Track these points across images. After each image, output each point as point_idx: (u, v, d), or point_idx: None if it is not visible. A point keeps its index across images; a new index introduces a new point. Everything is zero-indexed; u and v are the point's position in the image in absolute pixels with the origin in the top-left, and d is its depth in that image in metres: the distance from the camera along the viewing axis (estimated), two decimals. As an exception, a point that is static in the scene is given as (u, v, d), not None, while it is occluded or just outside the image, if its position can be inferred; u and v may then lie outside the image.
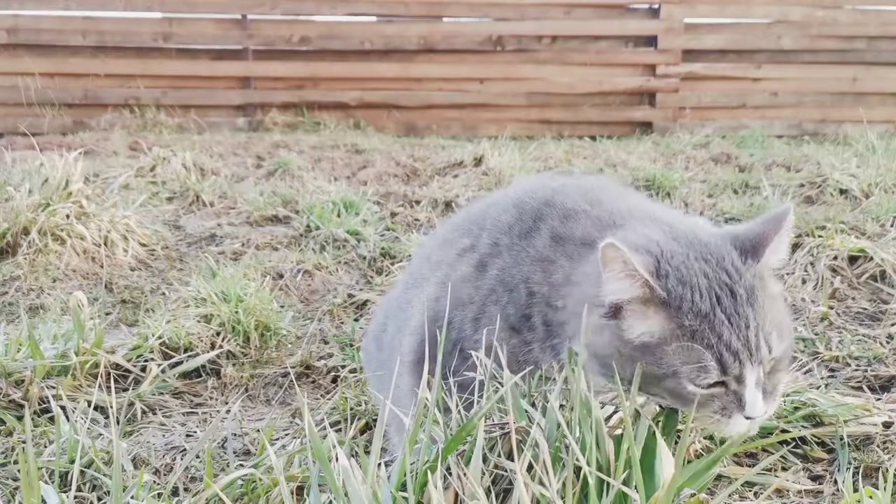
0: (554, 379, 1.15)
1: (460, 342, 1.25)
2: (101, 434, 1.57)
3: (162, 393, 1.88)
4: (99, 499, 1.35)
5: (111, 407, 1.31)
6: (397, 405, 1.25)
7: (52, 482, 1.37)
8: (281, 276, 2.68)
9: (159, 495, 1.32)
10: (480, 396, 1.15)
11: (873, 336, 2.13)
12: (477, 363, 1.18)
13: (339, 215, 3.31)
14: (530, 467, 1.03)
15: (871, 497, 1.19)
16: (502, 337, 1.21)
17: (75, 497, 1.33)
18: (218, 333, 2.10)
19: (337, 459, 1.04)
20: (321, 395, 1.90)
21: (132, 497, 1.26)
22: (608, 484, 1.02)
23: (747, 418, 1.09)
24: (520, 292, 1.22)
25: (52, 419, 1.60)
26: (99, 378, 1.84)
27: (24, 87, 6.57)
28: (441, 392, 1.14)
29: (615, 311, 1.11)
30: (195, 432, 1.69)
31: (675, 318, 1.08)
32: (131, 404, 1.79)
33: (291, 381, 1.95)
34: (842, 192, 3.80)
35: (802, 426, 1.56)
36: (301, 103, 6.95)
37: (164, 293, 2.57)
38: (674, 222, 1.21)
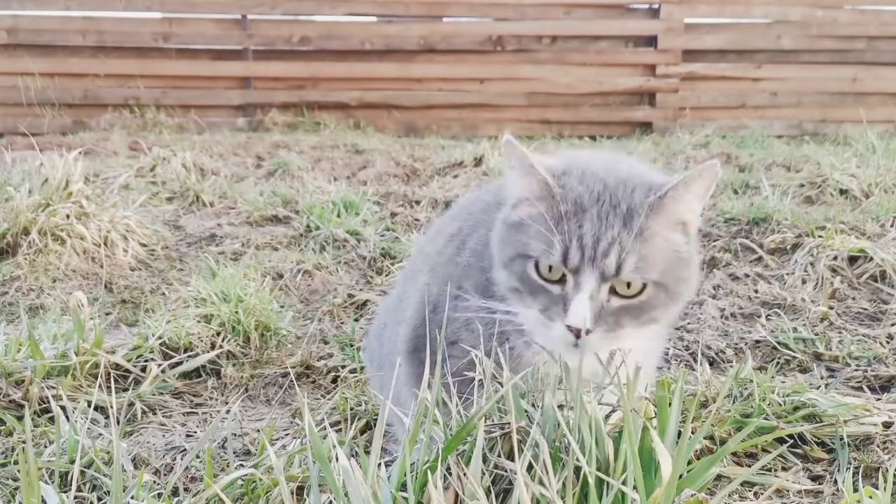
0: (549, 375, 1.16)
1: (446, 324, 1.25)
2: (101, 434, 1.56)
3: (162, 393, 1.88)
4: (99, 499, 1.35)
5: (111, 407, 1.31)
6: (398, 398, 1.25)
7: (52, 482, 1.37)
8: (281, 276, 2.68)
9: (159, 495, 1.32)
10: (479, 394, 1.15)
11: (873, 336, 2.13)
12: (472, 358, 1.19)
13: (339, 215, 3.31)
14: (530, 467, 1.03)
15: (871, 497, 1.19)
16: (474, 309, 1.23)
17: (75, 497, 1.33)
18: (218, 333, 2.10)
19: (337, 459, 1.04)
20: (321, 395, 1.90)
21: (132, 497, 1.26)
22: (608, 484, 1.02)
23: (569, 328, 1.07)
24: (487, 254, 1.25)
25: (52, 419, 1.60)
26: (99, 378, 1.84)
27: (24, 87, 6.57)
28: (438, 388, 1.14)
29: (514, 206, 1.16)
30: (195, 432, 1.69)
31: (557, 204, 1.11)
32: (131, 404, 1.79)
33: (291, 381, 1.95)
34: (842, 192, 3.79)
35: (802, 425, 1.56)
36: (301, 103, 6.95)
37: (164, 293, 2.57)
38: (622, 163, 1.22)
